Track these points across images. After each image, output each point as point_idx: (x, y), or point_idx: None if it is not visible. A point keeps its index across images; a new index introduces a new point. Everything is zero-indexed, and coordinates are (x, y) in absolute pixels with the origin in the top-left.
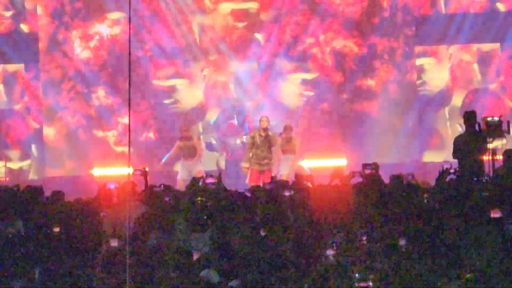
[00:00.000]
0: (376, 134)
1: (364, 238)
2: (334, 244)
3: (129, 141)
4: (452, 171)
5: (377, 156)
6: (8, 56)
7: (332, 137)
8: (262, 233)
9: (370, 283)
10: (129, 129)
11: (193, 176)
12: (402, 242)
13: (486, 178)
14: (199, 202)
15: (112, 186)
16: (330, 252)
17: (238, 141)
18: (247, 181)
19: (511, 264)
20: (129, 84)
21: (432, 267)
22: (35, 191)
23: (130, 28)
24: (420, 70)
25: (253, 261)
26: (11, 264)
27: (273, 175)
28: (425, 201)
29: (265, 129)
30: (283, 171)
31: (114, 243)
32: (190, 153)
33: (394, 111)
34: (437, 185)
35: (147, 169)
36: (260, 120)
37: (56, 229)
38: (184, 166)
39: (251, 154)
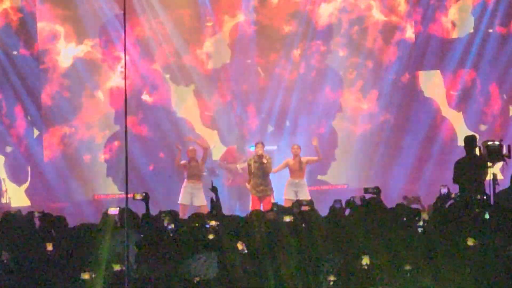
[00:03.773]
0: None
1: (365, 262)
2: (335, 269)
3: (126, 168)
4: (452, 196)
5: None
6: None
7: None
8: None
9: None
10: (126, 155)
11: (193, 203)
12: (406, 267)
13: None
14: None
15: (113, 212)
16: (331, 278)
17: (239, 167)
18: (250, 208)
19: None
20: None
21: None
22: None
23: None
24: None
25: (252, 285)
26: None
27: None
28: (426, 225)
29: (260, 156)
30: (303, 197)
31: (116, 268)
32: (194, 174)
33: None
34: (435, 210)
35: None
36: (255, 146)
37: (50, 248)
38: (186, 188)
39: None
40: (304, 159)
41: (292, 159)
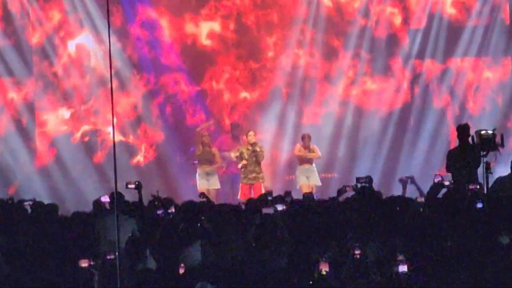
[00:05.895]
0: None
1: (358, 252)
2: (327, 259)
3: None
4: (446, 183)
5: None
6: None
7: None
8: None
9: None
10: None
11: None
12: (398, 256)
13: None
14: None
15: (105, 200)
16: (323, 267)
17: (233, 155)
18: (239, 196)
19: (505, 274)
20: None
21: (427, 280)
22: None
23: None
24: None
25: (246, 275)
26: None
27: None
28: (421, 211)
29: (253, 144)
30: (315, 181)
31: (110, 256)
32: (208, 159)
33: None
34: (429, 198)
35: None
36: (247, 135)
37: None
38: (201, 174)
39: (241, 170)
40: (312, 146)
41: (300, 146)
